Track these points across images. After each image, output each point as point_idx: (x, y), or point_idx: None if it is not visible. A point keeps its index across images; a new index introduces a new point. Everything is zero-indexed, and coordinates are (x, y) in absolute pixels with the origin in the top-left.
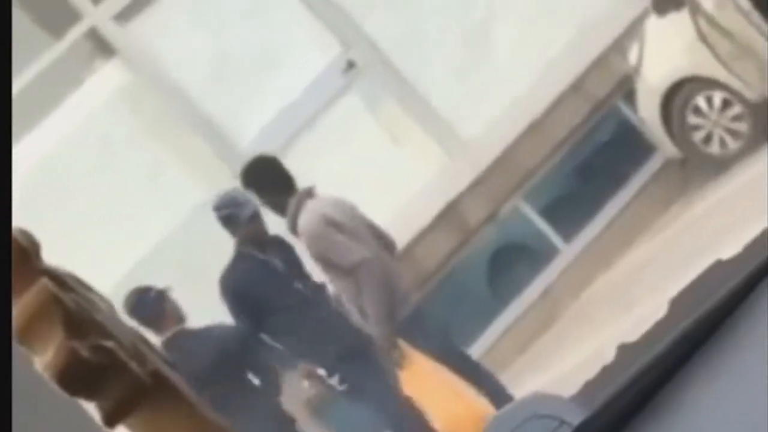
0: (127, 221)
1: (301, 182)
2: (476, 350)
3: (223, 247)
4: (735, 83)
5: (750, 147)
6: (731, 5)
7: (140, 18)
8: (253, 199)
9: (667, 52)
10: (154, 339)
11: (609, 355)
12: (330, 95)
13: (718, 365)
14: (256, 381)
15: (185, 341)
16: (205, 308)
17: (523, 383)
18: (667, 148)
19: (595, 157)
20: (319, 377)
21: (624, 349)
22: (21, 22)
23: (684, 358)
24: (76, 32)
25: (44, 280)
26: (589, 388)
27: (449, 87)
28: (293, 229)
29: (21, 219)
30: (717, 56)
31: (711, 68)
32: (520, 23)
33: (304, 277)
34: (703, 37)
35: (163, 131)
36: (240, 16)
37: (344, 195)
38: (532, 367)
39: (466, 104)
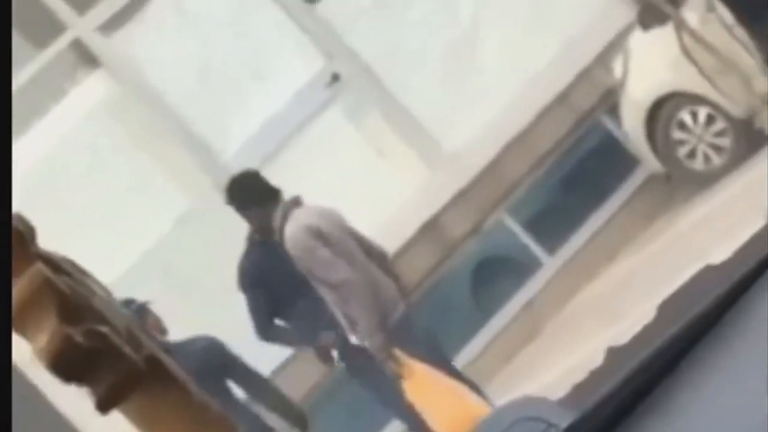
0: (111, 232)
1: (285, 194)
2: (460, 362)
3: (207, 257)
4: (719, 98)
5: (733, 162)
6: (715, 20)
7: (124, 29)
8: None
9: (651, 67)
10: None
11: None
12: (314, 108)
13: (708, 369)
14: (238, 393)
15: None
16: (190, 319)
17: (507, 394)
18: (650, 162)
19: (579, 170)
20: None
21: (613, 353)
22: None
23: (673, 361)
24: (60, 43)
25: (39, 265)
26: (578, 391)
27: (433, 100)
28: (279, 239)
29: None
30: (701, 71)
31: (695, 83)
32: (504, 36)
33: None
34: (687, 52)
35: (147, 142)
36: (224, 28)
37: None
38: (516, 379)
39: (449, 117)
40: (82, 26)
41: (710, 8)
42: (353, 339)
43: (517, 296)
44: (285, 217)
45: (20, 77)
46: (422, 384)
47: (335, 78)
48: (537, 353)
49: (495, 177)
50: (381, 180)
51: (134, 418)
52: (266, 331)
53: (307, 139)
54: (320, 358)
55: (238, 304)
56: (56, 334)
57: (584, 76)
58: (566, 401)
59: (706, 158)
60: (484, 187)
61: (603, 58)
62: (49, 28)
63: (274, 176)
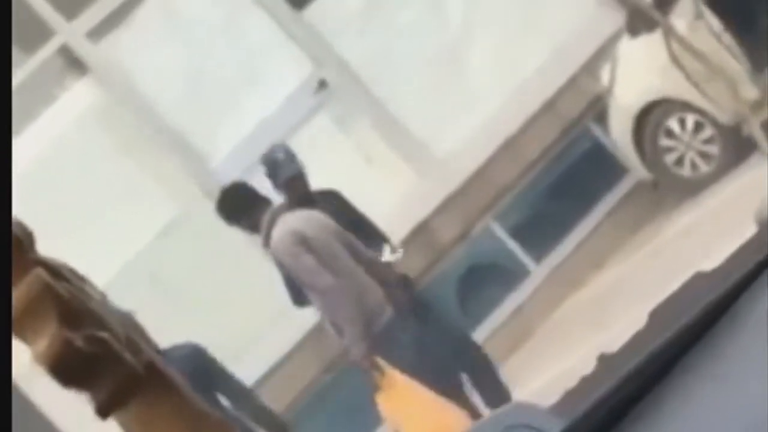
0: (98, 238)
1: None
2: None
3: (195, 264)
4: (707, 106)
5: (721, 170)
6: (703, 27)
7: (113, 35)
8: (294, 160)
9: (639, 74)
10: None
11: (587, 367)
12: (302, 114)
13: (700, 377)
14: (225, 402)
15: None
16: (176, 327)
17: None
18: (638, 170)
19: (567, 177)
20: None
21: (604, 360)
22: None
23: (665, 369)
24: (48, 49)
25: (38, 270)
26: (569, 398)
27: (421, 107)
28: (266, 244)
29: None
30: (689, 78)
31: (683, 90)
32: (492, 43)
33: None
34: (675, 59)
35: (136, 149)
36: (213, 34)
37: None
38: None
39: (437, 124)
40: (71, 32)
41: (698, 15)
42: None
43: (505, 303)
44: (272, 223)
45: None
46: (401, 396)
47: (323, 84)
48: (526, 360)
49: (483, 184)
50: (369, 186)
51: (133, 424)
52: (297, 299)
53: (295, 145)
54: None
55: (225, 312)
56: (56, 339)
57: (572, 83)
58: (557, 408)
59: (694, 165)
60: (472, 194)
61: (591, 65)
62: (37, 33)
63: (262, 183)
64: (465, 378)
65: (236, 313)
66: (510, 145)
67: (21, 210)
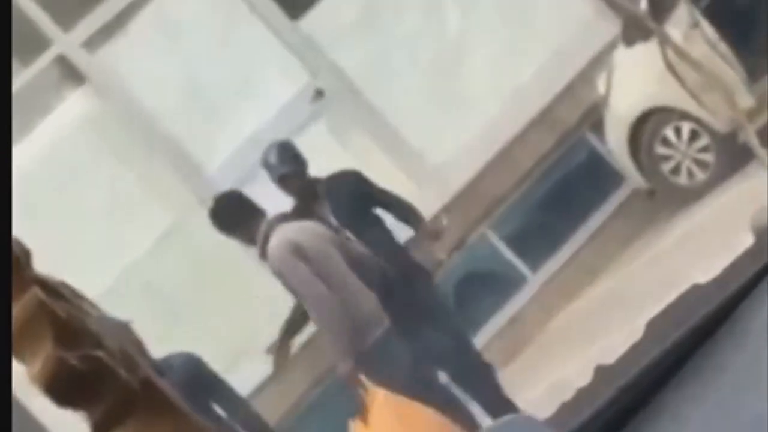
0: (95, 247)
1: (270, 210)
2: (441, 379)
3: (190, 274)
4: (703, 114)
5: (717, 178)
6: (699, 36)
7: (109, 45)
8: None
9: (635, 83)
10: None
11: (583, 378)
12: (298, 123)
13: (696, 388)
14: (220, 411)
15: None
16: (171, 337)
17: None
18: (634, 178)
19: (563, 186)
20: None
21: (601, 372)
22: None
23: (661, 380)
24: (44, 59)
25: (35, 290)
26: (565, 410)
27: (417, 116)
28: (263, 255)
29: None
30: (685, 87)
31: (679, 99)
32: (488, 53)
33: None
34: (671, 68)
35: (132, 158)
36: (209, 43)
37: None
38: None
39: (433, 133)
40: (67, 42)
41: (694, 24)
42: None
43: (501, 312)
44: (268, 235)
45: None
46: (384, 415)
47: (319, 94)
48: (521, 369)
49: (479, 192)
50: None
51: None
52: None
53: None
54: None
55: (220, 321)
56: (50, 358)
57: (568, 91)
58: (554, 420)
59: (690, 174)
60: (467, 203)
61: (587, 74)
62: (33, 43)
63: (257, 192)
64: (460, 389)
65: (231, 322)
66: (506, 154)
67: (17, 219)
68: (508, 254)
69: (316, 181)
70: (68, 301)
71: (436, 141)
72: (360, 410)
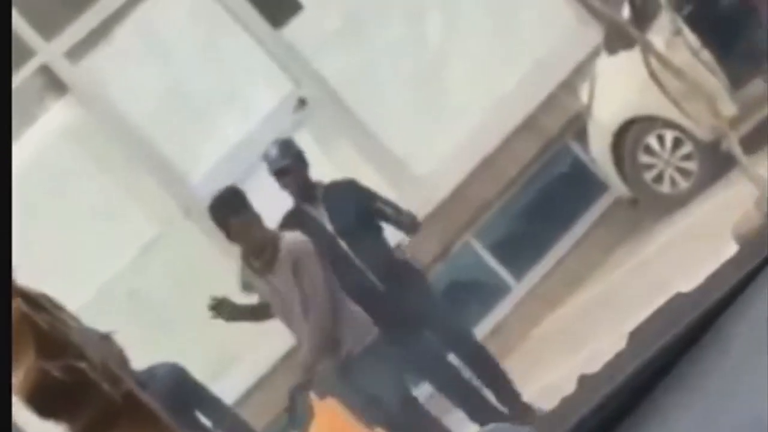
0: (79, 257)
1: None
2: (427, 386)
3: (174, 283)
4: (686, 122)
5: (701, 186)
6: (682, 44)
7: (92, 55)
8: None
9: (618, 91)
10: None
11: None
12: (282, 133)
13: (680, 396)
14: (206, 421)
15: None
16: (155, 347)
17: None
18: (617, 186)
19: (546, 195)
20: None
21: (584, 381)
22: None
23: (645, 389)
24: (27, 69)
25: (17, 301)
26: (549, 419)
27: (401, 124)
28: (271, 264)
29: None
30: (668, 95)
31: (662, 107)
32: (471, 61)
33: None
34: (654, 76)
35: (116, 168)
36: (192, 53)
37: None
38: None
39: (417, 142)
40: (50, 52)
41: (676, 32)
42: None
43: (484, 321)
44: (277, 240)
45: None
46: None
47: (302, 103)
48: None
49: (463, 201)
50: None
51: None
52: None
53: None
54: None
55: (205, 331)
56: (33, 369)
57: (551, 100)
58: (538, 429)
59: (673, 182)
60: (451, 212)
61: (570, 83)
62: (16, 53)
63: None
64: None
65: (216, 331)
66: (489, 163)
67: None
68: (492, 262)
69: (316, 185)
70: (49, 312)
71: (419, 150)
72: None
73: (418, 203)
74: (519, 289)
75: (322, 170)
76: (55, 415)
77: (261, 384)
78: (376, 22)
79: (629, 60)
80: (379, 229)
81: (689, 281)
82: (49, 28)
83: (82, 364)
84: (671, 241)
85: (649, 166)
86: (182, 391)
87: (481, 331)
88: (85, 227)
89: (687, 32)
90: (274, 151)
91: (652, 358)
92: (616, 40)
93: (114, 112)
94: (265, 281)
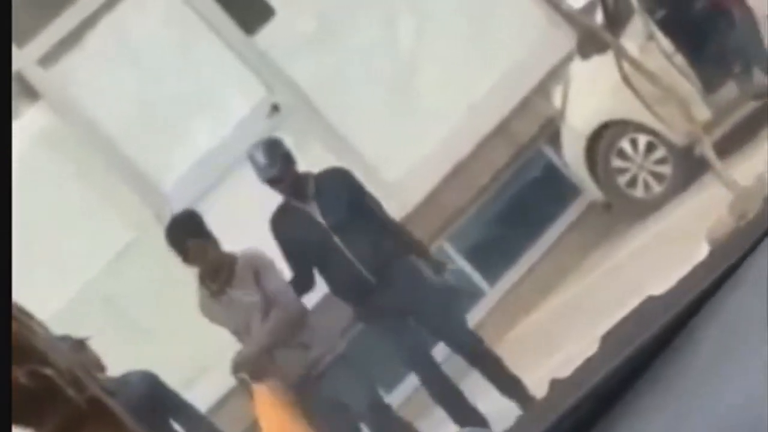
0: (53, 263)
1: (226, 225)
2: (401, 393)
3: (148, 289)
4: (659, 126)
5: (674, 190)
6: (655, 49)
7: (64, 61)
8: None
9: (591, 96)
10: None
11: (540, 392)
12: (255, 139)
13: (652, 400)
14: (179, 428)
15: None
16: (130, 354)
17: (449, 425)
18: (591, 191)
19: (520, 199)
20: None
21: (556, 385)
22: None
23: (617, 393)
24: None
25: None
26: (521, 423)
27: (374, 130)
28: (228, 281)
29: None
30: (641, 99)
31: (635, 111)
32: (444, 66)
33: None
34: (627, 81)
35: (89, 174)
36: (165, 59)
37: (269, 238)
38: None
39: (390, 147)
40: (23, 59)
41: (649, 37)
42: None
43: None
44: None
45: None
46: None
47: (275, 109)
48: (479, 382)
49: (436, 207)
50: None
51: None
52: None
53: (248, 170)
54: None
55: (179, 337)
56: None
57: (524, 105)
58: None
59: (647, 186)
60: (424, 217)
61: (543, 88)
62: None
63: (215, 207)
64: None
65: (190, 338)
66: (462, 168)
67: None
68: (466, 267)
69: (305, 178)
70: (16, 318)
71: (392, 155)
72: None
73: (391, 209)
74: (493, 293)
75: None
76: (20, 421)
77: (235, 392)
78: (349, 28)
79: (602, 64)
80: (371, 222)
81: (662, 285)
82: (21, 35)
83: (48, 371)
84: (645, 245)
85: (623, 171)
86: (156, 398)
87: None
88: (60, 233)
89: (660, 37)
90: (261, 158)
91: (623, 362)
92: (589, 44)
93: (87, 118)
94: (222, 301)
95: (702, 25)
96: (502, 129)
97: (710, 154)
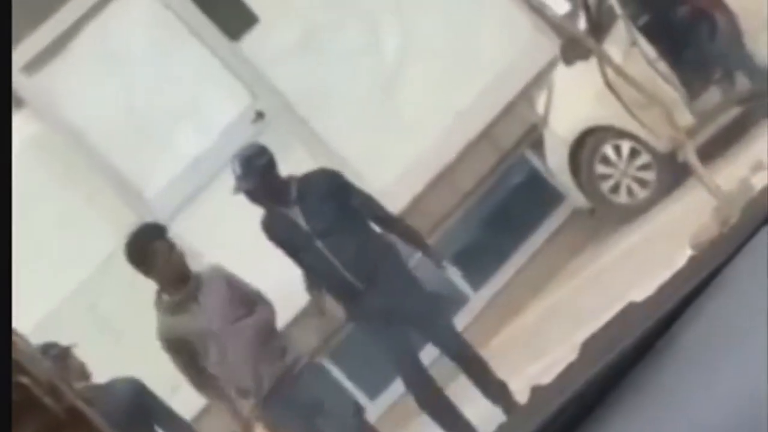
0: (37, 272)
1: (210, 232)
2: (385, 400)
3: (134, 297)
4: (642, 132)
5: (658, 196)
6: (638, 55)
7: (48, 68)
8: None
9: (574, 102)
10: None
11: (521, 399)
12: (239, 145)
13: (632, 407)
14: None
15: (88, 397)
16: (116, 361)
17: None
18: (575, 197)
19: (504, 206)
20: None
21: (536, 392)
22: None
23: (597, 400)
24: None
25: None
26: (503, 429)
27: (358, 137)
28: (198, 287)
29: None
30: (624, 106)
31: (619, 118)
32: (428, 73)
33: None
34: (610, 87)
35: (73, 182)
36: (149, 67)
37: (253, 245)
38: None
39: (374, 154)
40: None
41: (633, 43)
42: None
43: None
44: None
45: None
46: None
47: (260, 116)
48: (464, 387)
49: (420, 213)
50: None
51: None
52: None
53: (232, 177)
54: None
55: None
56: None
57: (508, 111)
58: None
59: (630, 192)
60: (409, 223)
61: (527, 94)
62: None
63: (200, 214)
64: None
65: None
66: (447, 175)
67: None
68: (451, 273)
69: (287, 183)
70: None
71: (376, 162)
72: None
73: None
74: (477, 299)
75: None
76: None
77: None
78: (333, 34)
79: (586, 71)
80: (357, 225)
81: (646, 290)
82: None
83: (25, 380)
84: (628, 251)
85: (606, 177)
86: (141, 405)
87: None
88: (45, 240)
89: (643, 42)
90: (236, 169)
91: (604, 368)
92: (573, 51)
93: (71, 125)
94: (189, 310)
95: (685, 31)
96: (486, 135)
97: (693, 160)
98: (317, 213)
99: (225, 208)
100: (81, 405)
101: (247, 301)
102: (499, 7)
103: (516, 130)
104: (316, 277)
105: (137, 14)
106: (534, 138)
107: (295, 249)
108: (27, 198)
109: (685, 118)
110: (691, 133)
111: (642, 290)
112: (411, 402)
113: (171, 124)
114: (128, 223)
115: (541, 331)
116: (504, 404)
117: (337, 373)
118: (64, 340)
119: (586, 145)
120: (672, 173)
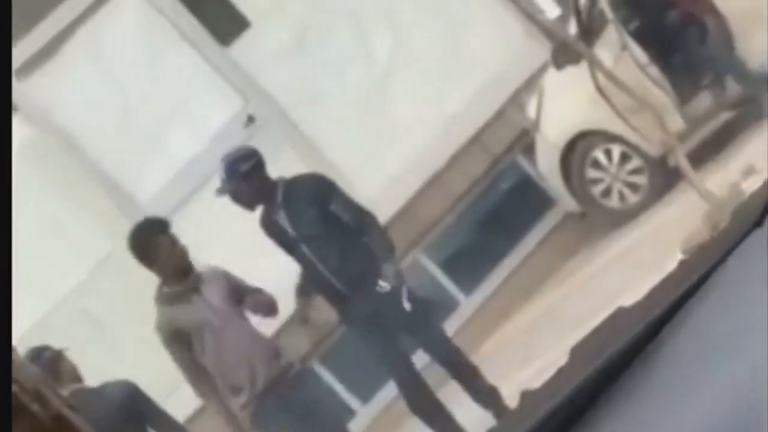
0: (30, 276)
1: (202, 236)
2: (376, 405)
3: (127, 300)
4: (633, 137)
5: (649, 200)
6: (629, 59)
7: (40, 73)
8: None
9: (565, 106)
10: None
11: (511, 404)
12: (231, 149)
13: (621, 411)
14: None
15: (80, 401)
16: (108, 364)
17: None
18: (566, 201)
19: (495, 210)
20: None
21: (526, 396)
22: None
23: (587, 404)
24: None
25: None
26: None
27: (348, 141)
28: (198, 280)
29: None
30: (615, 110)
31: (609, 122)
32: (419, 77)
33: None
34: (601, 91)
35: (67, 186)
36: (140, 70)
37: (245, 249)
38: None
39: (365, 159)
40: None
41: (623, 47)
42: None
43: None
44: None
45: None
46: None
47: (251, 120)
48: (454, 392)
49: (411, 218)
50: None
51: None
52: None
53: None
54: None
55: (157, 348)
56: None
57: (499, 116)
58: None
59: (621, 196)
60: (400, 228)
61: (517, 99)
62: None
63: (192, 217)
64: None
65: None
66: (438, 179)
67: None
68: (442, 278)
69: (274, 186)
70: None
71: (368, 166)
72: None
73: None
74: (468, 304)
75: None
76: None
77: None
78: (324, 39)
79: (576, 75)
80: (343, 231)
81: (637, 294)
82: None
83: (13, 387)
84: (620, 255)
85: (597, 181)
86: (135, 408)
87: None
88: (38, 244)
89: (634, 47)
90: (221, 172)
91: (593, 373)
92: (564, 55)
93: (63, 130)
94: (190, 301)
95: (675, 36)
96: (477, 140)
97: (684, 164)
98: (301, 218)
99: (217, 211)
100: (67, 412)
101: (246, 294)
102: (490, 12)
103: (507, 135)
104: (309, 279)
105: (129, 19)
106: (525, 142)
107: (287, 250)
108: (19, 202)
109: (676, 122)
110: (682, 137)
111: (633, 294)
112: (402, 405)
113: (163, 128)
114: (121, 227)
115: (532, 336)
116: (495, 409)
117: (328, 376)
118: (56, 344)
119: (577, 149)
120: (663, 177)
